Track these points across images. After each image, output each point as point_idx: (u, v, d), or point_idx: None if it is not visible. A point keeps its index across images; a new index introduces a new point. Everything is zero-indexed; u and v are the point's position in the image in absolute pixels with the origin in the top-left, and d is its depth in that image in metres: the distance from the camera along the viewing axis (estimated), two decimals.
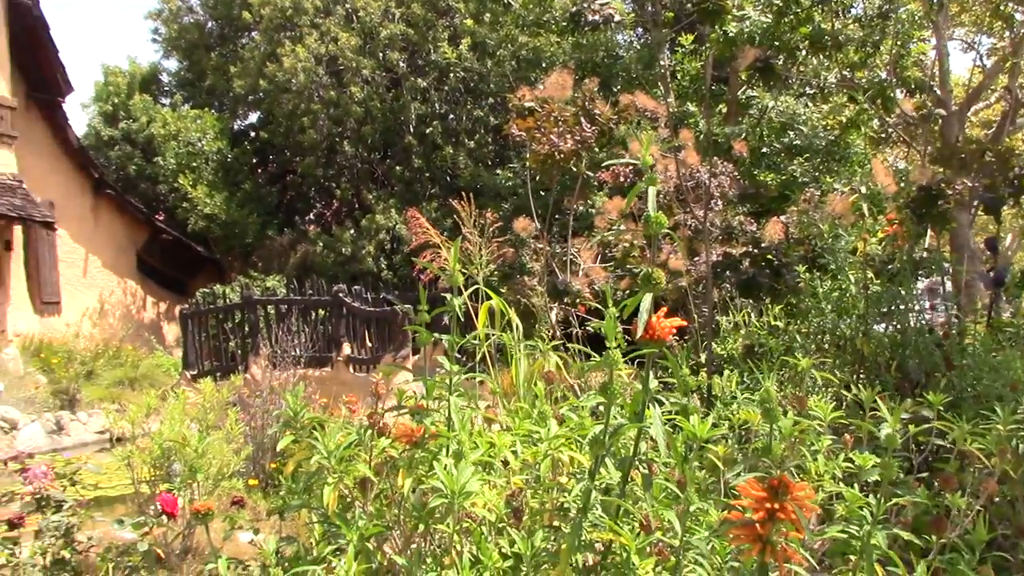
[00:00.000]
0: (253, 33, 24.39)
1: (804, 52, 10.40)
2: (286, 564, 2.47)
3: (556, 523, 2.36)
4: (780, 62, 9.29)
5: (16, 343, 16.44)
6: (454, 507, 2.08)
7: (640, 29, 19.01)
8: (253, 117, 25.66)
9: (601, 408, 2.33)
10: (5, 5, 18.70)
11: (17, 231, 18.37)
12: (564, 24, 15.75)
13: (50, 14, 47.72)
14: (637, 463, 2.28)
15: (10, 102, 18.63)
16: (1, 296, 17.28)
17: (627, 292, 8.77)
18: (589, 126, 8.48)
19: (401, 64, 21.31)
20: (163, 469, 7.39)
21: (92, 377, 15.13)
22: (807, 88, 15.21)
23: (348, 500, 2.48)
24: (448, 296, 2.79)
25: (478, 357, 4.09)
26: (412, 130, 21.42)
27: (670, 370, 3.16)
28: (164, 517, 4.94)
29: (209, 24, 26.15)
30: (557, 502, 2.44)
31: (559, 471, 2.63)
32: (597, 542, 2.26)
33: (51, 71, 19.72)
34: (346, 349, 14.04)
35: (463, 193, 6.91)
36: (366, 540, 2.35)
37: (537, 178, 11.81)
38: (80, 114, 44.31)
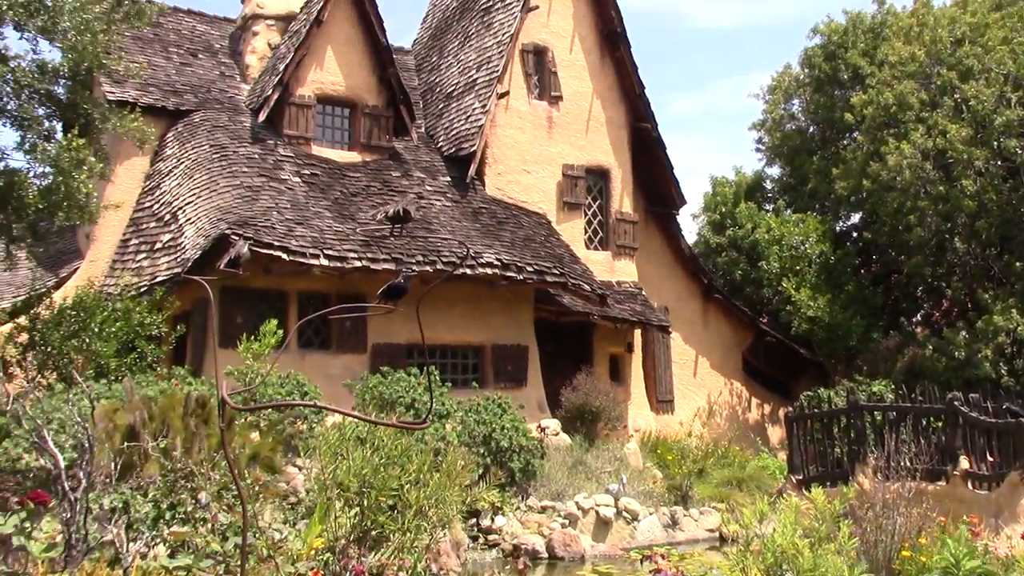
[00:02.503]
0: (855, 134, 24.24)
1: None
2: None
3: None
4: None
5: (635, 438, 17.82)
6: None
7: None
8: (855, 218, 25.38)
9: None
10: (630, 132, 20.92)
11: (637, 334, 20.09)
12: None
13: (664, 133, 51.96)
14: None
15: (632, 217, 20.66)
16: (624, 394, 18.91)
17: None
18: None
19: (1019, 151, 19.56)
20: None
21: (702, 475, 15.77)
22: None
23: None
24: None
25: None
26: None
27: None
28: None
29: (810, 129, 26.61)
30: None
31: None
32: None
33: (667, 186, 21.55)
34: (963, 463, 12.90)
35: None
36: None
37: None
38: (690, 224, 47.74)
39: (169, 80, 18.04)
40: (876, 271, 24.13)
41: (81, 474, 4.09)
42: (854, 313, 21.63)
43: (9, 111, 11.04)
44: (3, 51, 10.93)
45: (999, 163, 19.97)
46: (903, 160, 20.12)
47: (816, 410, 15.63)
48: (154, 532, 5.63)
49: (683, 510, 14.28)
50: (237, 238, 13.36)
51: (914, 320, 23.91)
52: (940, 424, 13.49)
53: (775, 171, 27.73)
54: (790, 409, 16.57)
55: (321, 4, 17.65)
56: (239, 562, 4.15)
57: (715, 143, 61.91)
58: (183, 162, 16.40)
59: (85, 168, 10.96)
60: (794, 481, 13.94)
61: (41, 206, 10.92)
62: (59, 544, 3.65)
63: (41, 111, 11.37)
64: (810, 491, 9.49)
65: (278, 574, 4.78)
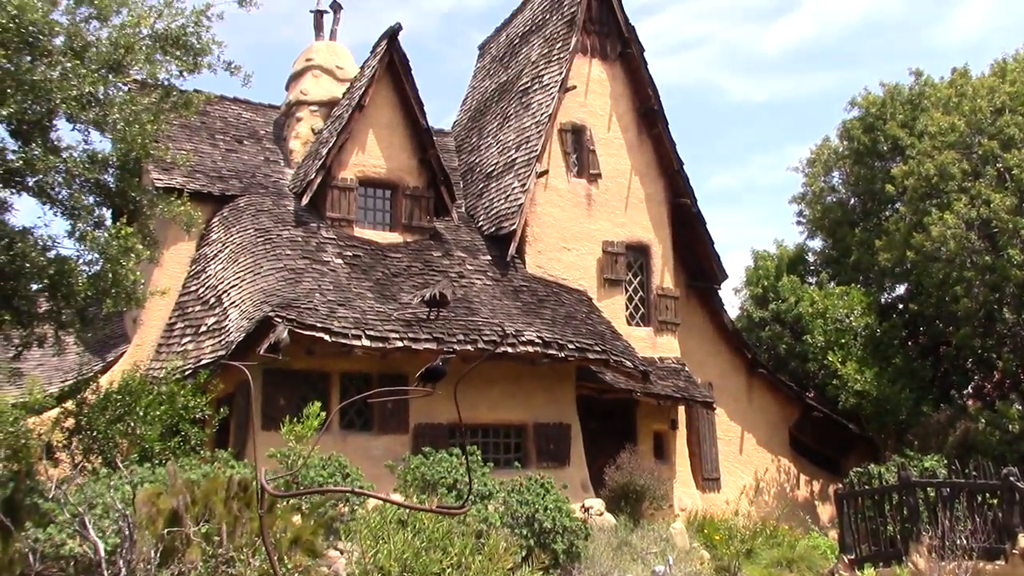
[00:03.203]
0: (896, 205, 24.13)
1: None
2: None
3: None
4: None
5: (681, 517, 17.48)
6: None
7: None
8: (900, 289, 25.11)
9: None
10: (669, 208, 20.98)
11: (681, 411, 19.85)
12: None
13: (704, 208, 51.76)
14: None
15: (674, 292, 20.60)
16: (668, 472, 18.62)
17: None
18: None
19: None
20: None
21: (751, 555, 15.42)
22: None
23: None
24: None
25: None
26: None
27: None
28: None
29: (851, 201, 26.54)
30: None
31: None
32: None
33: (708, 261, 21.50)
34: (1021, 541, 12.50)
35: None
36: None
37: None
38: (732, 298, 47.48)
39: (215, 166, 18.48)
40: (924, 343, 23.76)
41: (121, 562, 4.10)
42: (903, 386, 21.25)
43: (61, 200, 11.35)
44: (56, 143, 11.27)
45: None
46: (947, 230, 19.95)
47: (867, 487, 15.29)
48: None
49: None
50: (280, 321, 13.49)
51: (965, 393, 23.43)
52: (996, 500, 13.13)
53: (817, 244, 27.65)
54: (840, 486, 16.24)
55: (363, 90, 18.07)
56: None
57: (755, 217, 61.90)
58: (228, 246, 16.69)
59: (133, 255, 11.20)
60: (846, 561, 13.59)
61: (90, 293, 11.13)
62: None
63: (91, 200, 11.67)
64: (863, 571, 9.28)
65: None
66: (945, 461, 17.66)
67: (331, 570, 10.02)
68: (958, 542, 11.09)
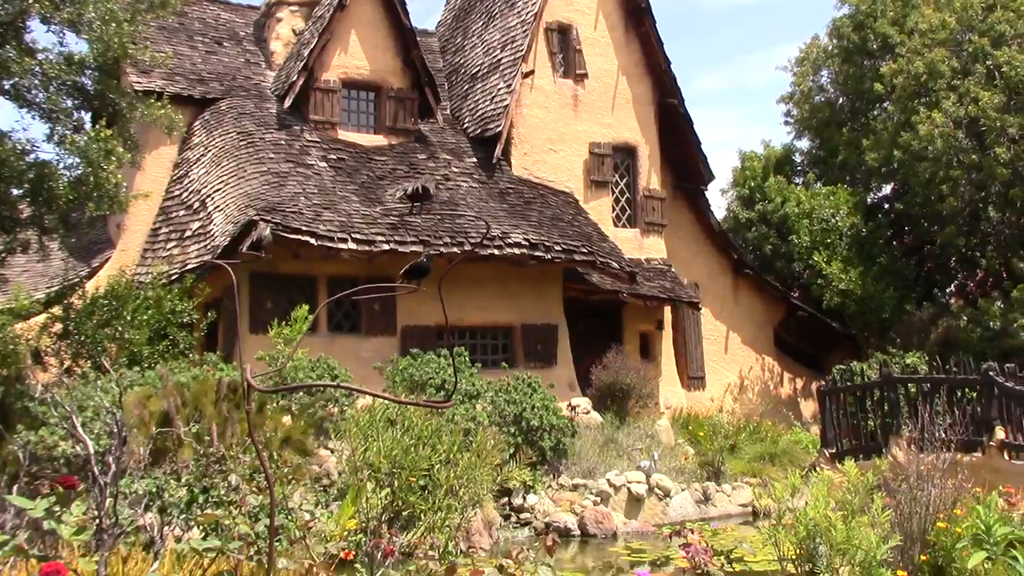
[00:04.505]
0: (885, 104, 23.96)
1: None
2: None
3: None
4: None
5: (667, 415, 17.78)
6: None
7: None
8: (887, 189, 25.10)
9: None
10: (657, 109, 20.76)
11: (667, 311, 20.01)
12: None
13: (692, 109, 51.07)
14: None
15: (660, 194, 20.54)
16: (654, 371, 18.86)
17: None
18: None
19: None
20: (807, 550, 7.37)
21: (734, 451, 15.70)
22: None
23: None
24: None
25: None
26: None
27: None
28: None
29: (840, 100, 26.31)
30: None
31: None
32: None
33: (694, 163, 21.38)
34: (999, 433, 12.77)
35: None
36: None
37: None
38: (719, 199, 47.20)
39: (195, 69, 18.14)
40: (909, 242, 23.88)
41: (111, 459, 4.16)
42: (887, 285, 21.43)
43: (38, 103, 11.16)
44: (31, 44, 11.03)
45: None
46: (935, 129, 19.85)
47: (849, 383, 15.53)
48: (187, 515, 5.72)
49: (715, 486, 14.25)
50: (265, 224, 13.45)
51: (948, 291, 23.66)
52: (975, 395, 13.37)
53: (804, 144, 27.53)
54: (823, 383, 16.48)
55: None
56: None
57: (743, 117, 61.43)
58: (210, 150, 16.50)
59: (114, 159, 11.07)
60: (827, 455, 13.87)
61: (71, 197, 11.04)
62: (90, 528, 3.72)
63: (69, 103, 11.48)
64: (843, 464, 9.46)
65: (309, 554, 4.84)
66: (926, 358, 17.92)
67: (322, 468, 10.20)
68: (937, 435, 11.30)
